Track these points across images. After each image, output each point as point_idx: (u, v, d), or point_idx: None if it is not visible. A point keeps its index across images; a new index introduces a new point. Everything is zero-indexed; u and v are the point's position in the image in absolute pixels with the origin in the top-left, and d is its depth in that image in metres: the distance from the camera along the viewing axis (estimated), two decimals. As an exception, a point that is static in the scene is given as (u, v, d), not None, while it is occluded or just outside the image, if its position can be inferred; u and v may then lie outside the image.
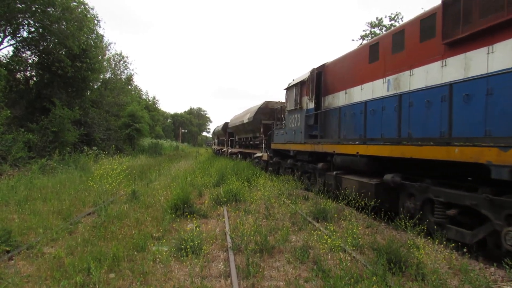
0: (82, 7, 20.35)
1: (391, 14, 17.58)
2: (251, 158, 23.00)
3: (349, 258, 5.33)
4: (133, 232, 6.46)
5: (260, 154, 19.09)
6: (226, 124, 33.60)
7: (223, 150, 34.42)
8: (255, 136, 21.80)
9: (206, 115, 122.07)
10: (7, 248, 5.57)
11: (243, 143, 25.78)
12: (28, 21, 19.31)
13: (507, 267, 4.61)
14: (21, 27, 19.60)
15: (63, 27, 18.77)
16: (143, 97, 53.80)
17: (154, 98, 64.41)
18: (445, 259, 5.27)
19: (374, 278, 4.27)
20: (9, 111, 15.98)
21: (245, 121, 22.55)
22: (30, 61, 21.82)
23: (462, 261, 5.34)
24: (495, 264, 4.99)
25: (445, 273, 4.90)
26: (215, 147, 43.42)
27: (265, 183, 12.42)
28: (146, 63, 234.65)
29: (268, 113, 20.17)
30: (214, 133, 46.97)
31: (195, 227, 6.66)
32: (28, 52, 21.47)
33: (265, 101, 20.78)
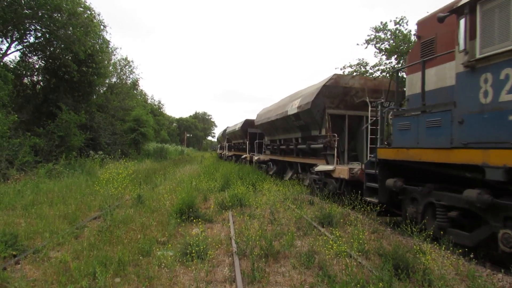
0: (89, 12, 20.55)
1: (396, 18, 17.58)
2: (297, 171, 15.50)
3: (355, 263, 5.29)
4: (139, 236, 6.47)
5: (329, 167, 11.16)
6: (247, 123, 25.45)
7: (243, 156, 25.93)
8: (310, 136, 13.46)
9: (211, 120, 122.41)
10: (14, 252, 5.60)
11: (282, 147, 16.92)
12: (35, 27, 19.56)
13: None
14: (28, 32, 19.86)
15: (69, 32, 18.95)
16: (149, 101, 54.14)
17: (159, 102, 64.84)
18: (452, 265, 5.22)
19: (381, 284, 4.24)
20: (16, 115, 16.13)
21: (291, 112, 14.30)
22: (37, 66, 22.15)
23: (469, 267, 5.29)
24: (502, 270, 4.93)
25: (452, 279, 4.86)
26: (226, 152, 35.40)
27: (270, 187, 12.41)
28: (151, 68, 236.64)
29: (338, 97, 12.16)
30: (223, 135, 38.00)
31: (200, 231, 6.66)
32: (35, 57, 21.82)
33: (334, 75, 12.56)
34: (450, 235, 6.18)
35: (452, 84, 6.36)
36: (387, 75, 15.85)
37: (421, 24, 8.01)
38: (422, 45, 7.70)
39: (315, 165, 12.36)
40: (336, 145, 11.46)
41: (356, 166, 10.40)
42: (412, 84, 7.89)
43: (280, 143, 17.52)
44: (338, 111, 12.17)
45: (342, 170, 10.40)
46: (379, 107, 9.35)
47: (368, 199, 8.57)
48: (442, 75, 7.02)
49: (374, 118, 10.05)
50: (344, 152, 12.09)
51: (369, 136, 10.68)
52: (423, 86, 7.15)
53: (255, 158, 21.60)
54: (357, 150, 12.31)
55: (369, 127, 10.46)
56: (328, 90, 12.14)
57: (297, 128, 14.74)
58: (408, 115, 7.57)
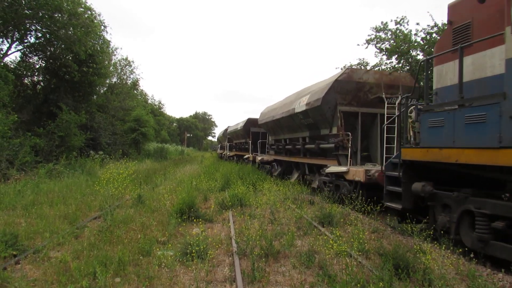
0: (89, 12, 20.57)
1: (397, 18, 17.57)
2: (304, 172, 14.78)
3: (355, 263, 5.29)
4: (139, 236, 6.47)
5: (342, 169, 10.32)
6: (249, 122, 25.35)
7: (246, 157, 25.27)
8: (320, 135, 12.75)
9: (211, 120, 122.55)
10: (14, 252, 5.60)
11: (288, 147, 16.21)
12: (36, 27, 19.59)
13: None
14: (28, 32, 19.89)
15: (70, 32, 18.98)
16: (149, 101, 54.17)
17: (159, 102, 64.87)
18: (452, 264, 5.22)
19: (381, 283, 4.24)
20: (16, 115, 16.13)
21: (299, 109, 13.57)
22: (37, 67, 22.18)
23: (469, 267, 5.28)
24: (503, 270, 4.93)
25: (452, 278, 4.85)
26: (227, 152, 35.67)
27: (270, 187, 12.40)
28: (152, 68, 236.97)
29: (351, 92, 11.30)
30: (224, 134, 38.01)
31: (200, 231, 6.66)
32: (36, 58, 21.85)
33: (347, 69, 12.02)
34: (495, 250, 5.40)
35: (494, 74, 5.70)
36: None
37: (453, 7, 6.98)
38: (455, 31, 6.72)
39: (325, 166, 11.56)
40: (349, 145, 10.63)
41: (373, 168, 9.62)
42: (441, 76, 6.96)
43: (285, 143, 16.75)
44: (351, 108, 11.28)
45: (357, 172, 9.52)
46: (403, 102, 8.03)
47: (389, 204, 7.63)
48: (481, 64, 6.10)
49: (394, 116, 9.36)
50: (357, 152, 11.25)
51: (385, 135, 9.90)
52: (461, 76, 6.08)
53: (259, 158, 20.67)
54: (370, 150, 11.73)
55: (385, 125, 9.68)
56: (340, 85, 11.23)
57: (305, 126, 13.98)
58: (440, 111, 6.49)
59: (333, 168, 10.81)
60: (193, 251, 5.48)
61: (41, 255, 5.55)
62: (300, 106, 13.37)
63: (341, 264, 5.33)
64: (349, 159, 10.52)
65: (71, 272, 4.72)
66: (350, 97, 11.28)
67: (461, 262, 5.54)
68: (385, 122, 9.60)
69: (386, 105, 9.87)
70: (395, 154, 9.08)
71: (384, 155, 9.75)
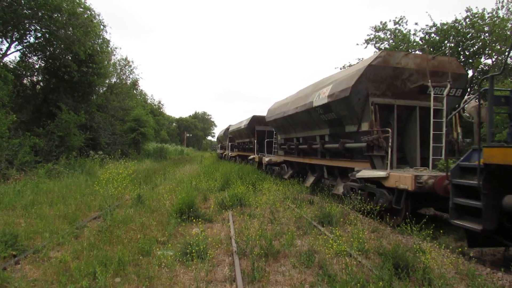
0: (89, 12, 20.56)
1: (396, 18, 17.60)
2: (322, 175, 13.20)
3: (355, 262, 5.30)
4: (139, 236, 6.47)
5: (379, 174, 8.26)
6: (254, 119, 23.37)
7: (251, 157, 23.16)
8: (344, 133, 10.77)
9: (211, 119, 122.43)
10: (14, 252, 5.60)
11: (302, 147, 14.20)
12: (35, 27, 19.57)
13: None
14: (28, 32, 19.87)
15: (69, 32, 18.96)
16: (149, 101, 54.09)
17: (159, 102, 64.73)
18: (451, 263, 5.23)
19: (381, 283, 4.25)
20: (15, 115, 16.10)
21: (318, 102, 11.49)
22: (36, 66, 22.15)
23: (469, 266, 5.30)
24: (502, 269, 4.94)
25: (452, 278, 4.86)
26: (229, 153, 34.24)
27: (270, 187, 12.41)
28: (151, 67, 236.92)
29: (386, 81, 9.23)
30: (225, 134, 36.36)
31: (200, 231, 6.66)
32: (35, 58, 21.80)
33: (383, 52, 9.53)
34: None
35: None
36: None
37: None
38: None
39: (352, 169, 9.74)
40: (389, 144, 8.63)
41: (425, 173, 7.55)
42: None
43: (298, 142, 14.79)
44: (385, 100, 9.21)
45: (402, 178, 7.46)
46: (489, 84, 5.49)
47: (461, 223, 5.56)
48: None
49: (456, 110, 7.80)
50: (392, 152, 9.05)
51: (431, 132, 8.41)
52: None
53: (266, 159, 18.36)
54: (406, 150, 9.87)
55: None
56: (374, 71, 9.06)
57: (324, 123, 11.85)
58: None
59: (367, 173, 8.78)
60: (193, 251, 5.48)
61: (41, 255, 5.55)
62: (320, 99, 11.31)
63: (341, 263, 5.33)
64: (388, 162, 8.59)
65: (71, 272, 4.72)
66: (385, 86, 9.28)
67: (461, 261, 5.54)
68: (432, 116, 8.31)
69: (432, 95, 8.31)
70: (443, 155, 7.87)
71: (431, 157, 8.46)
